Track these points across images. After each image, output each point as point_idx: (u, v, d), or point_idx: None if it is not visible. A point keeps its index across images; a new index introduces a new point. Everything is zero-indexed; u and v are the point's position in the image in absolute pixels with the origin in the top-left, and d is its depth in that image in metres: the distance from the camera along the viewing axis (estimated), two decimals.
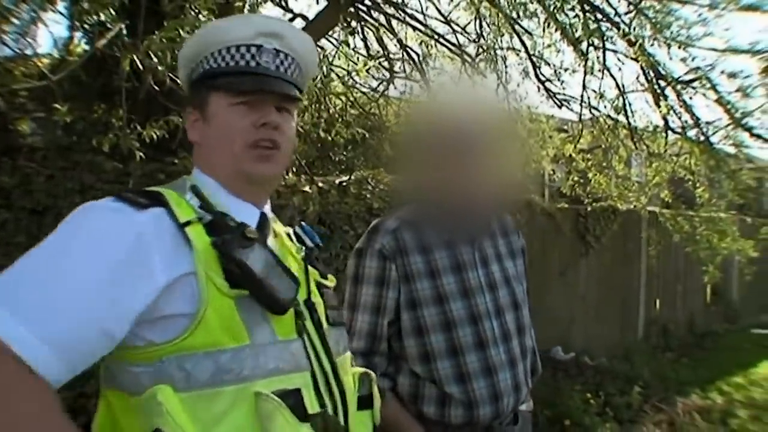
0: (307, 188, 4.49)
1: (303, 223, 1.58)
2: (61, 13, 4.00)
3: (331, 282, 1.52)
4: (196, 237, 1.20)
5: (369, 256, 2.13)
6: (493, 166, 2.18)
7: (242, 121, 1.33)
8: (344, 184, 4.86)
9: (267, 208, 1.44)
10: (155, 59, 2.88)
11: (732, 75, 6.21)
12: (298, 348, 1.27)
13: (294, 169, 4.79)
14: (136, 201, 1.20)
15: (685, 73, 6.40)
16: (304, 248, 1.49)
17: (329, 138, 4.76)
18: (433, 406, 2.10)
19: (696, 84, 6.40)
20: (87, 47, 4.36)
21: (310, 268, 1.44)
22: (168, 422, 1.07)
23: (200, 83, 1.38)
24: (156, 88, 3.20)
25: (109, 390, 1.21)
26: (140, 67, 2.94)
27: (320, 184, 4.66)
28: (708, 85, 6.36)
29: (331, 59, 5.00)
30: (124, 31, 3.61)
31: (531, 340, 2.28)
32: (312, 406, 1.22)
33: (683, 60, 6.24)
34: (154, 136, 3.47)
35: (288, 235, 1.51)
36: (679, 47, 6.10)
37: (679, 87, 6.49)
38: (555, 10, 5.98)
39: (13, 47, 3.98)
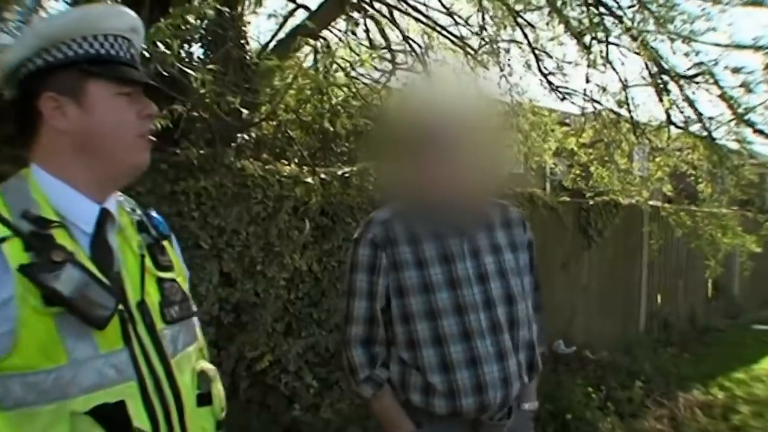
0: (309, 179, 4.47)
1: (151, 211, 1.55)
2: (65, 1, 3.99)
3: (176, 275, 1.49)
4: (12, 256, 1.16)
5: (362, 245, 2.21)
6: (479, 160, 2.22)
7: (128, 113, 1.34)
8: (347, 175, 4.84)
9: (111, 202, 1.40)
10: (162, 47, 2.86)
11: (735, 70, 6.18)
12: (124, 357, 1.25)
13: (296, 160, 4.77)
14: None
15: (689, 68, 6.37)
16: (147, 240, 1.45)
17: (331, 129, 4.74)
18: (418, 395, 2.16)
19: (699, 79, 6.36)
20: None
21: (148, 264, 1.40)
22: None
23: (70, 67, 1.29)
24: (165, 74, 3.18)
25: None
26: (146, 55, 2.91)
27: (322, 176, 4.64)
28: (711, 80, 6.32)
29: (333, 50, 4.97)
30: None
31: (530, 334, 2.27)
32: (138, 415, 1.22)
33: (686, 54, 6.22)
34: (159, 126, 3.45)
35: (132, 223, 1.46)
36: (683, 42, 6.08)
37: (682, 82, 6.46)
38: (559, 4, 5.95)
39: (16, 36, 3.97)
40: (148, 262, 1.40)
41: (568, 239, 7.42)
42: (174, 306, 1.42)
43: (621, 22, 6.17)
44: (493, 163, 2.40)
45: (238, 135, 4.58)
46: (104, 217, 1.35)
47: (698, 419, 5.66)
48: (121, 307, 1.26)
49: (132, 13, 1.42)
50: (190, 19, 2.88)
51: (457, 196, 2.19)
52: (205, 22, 3.76)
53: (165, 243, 1.51)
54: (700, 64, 6.25)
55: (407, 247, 2.16)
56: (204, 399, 1.44)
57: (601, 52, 6.43)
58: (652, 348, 8.01)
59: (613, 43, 6.44)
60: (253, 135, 4.86)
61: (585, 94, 6.87)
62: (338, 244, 4.71)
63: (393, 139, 2.38)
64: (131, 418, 1.21)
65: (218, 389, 1.49)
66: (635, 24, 6.10)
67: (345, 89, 4.87)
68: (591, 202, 7.71)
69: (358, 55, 5.16)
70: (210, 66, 3.48)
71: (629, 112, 6.94)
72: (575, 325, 7.54)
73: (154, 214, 1.54)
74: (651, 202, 8.34)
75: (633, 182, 7.91)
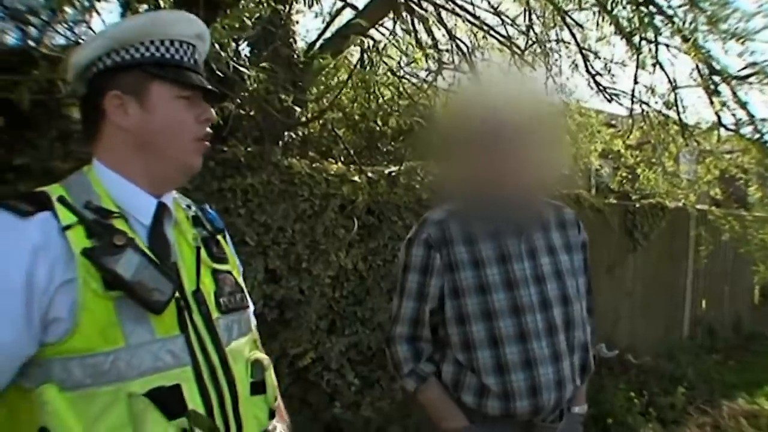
0: (356, 178, 4.48)
1: (206, 206, 1.61)
2: (118, 1, 4.04)
3: (230, 267, 1.55)
4: (75, 241, 1.22)
5: (416, 246, 2.20)
6: (538, 157, 2.19)
7: (187, 116, 1.40)
8: (393, 174, 4.84)
9: (168, 198, 1.46)
10: (218, 47, 2.89)
11: None
12: (180, 344, 1.30)
13: (342, 159, 4.79)
14: (19, 209, 1.21)
15: (742, 68, 6.24)
16: (202, 233, 1.51)
17: (377, 128, 4.75)
18: (471, 396, 2.13)
19: (752, 79, 6.22)
20: None
21: (203, 256, 1.46)
22: (52, 420, 1.13)
23: (135, 68, 1.36)
24: (220, 74, 3.21)
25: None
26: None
27: (369, 174, 4.65)
28: (765, 81, 6.18)
29: (380, 49, 4.98)
30: None
31: (584, 336, 2.25)
32: (193, 400, 1.27)
33: (740, 54, 6.08)
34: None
35: (188, 217, 1.52)
36: (736, 40, 5.94)
37: (734, 82, 6.33)
38: (609, 4, 5.87)
39: (69, 36, 4.04)
40: (203, 254, 1.46)
41: (614, 242, 7.34)
42: (228, 296, 1.47)
43: (671, 21, 6.07)
44: (553, 162, 2.36)
45: (285, 133, 4.61)
46: (161, 210, 1.41)
47: (743, 429, 5.55)
48: (177, 294, 1.32)
49: (199, 21, 1.48)
50: (246, 18, 2.91)
51: (519, 194, 2.17)
52: (259, 20, 3.79)
53: (219, 237, 1.57)
54: (754, 63, 6.11)
55: (463, 247, 2.14)
56: (258, 388, 1.48)
57: (650, 51, 6.35)
58: (696, 354, 7.88)
59: (662, 44, 6.35)
60: (300, 133, 4.89)
61: (633, 95, 6.78)
62: (384, 242, 4.72)
63: (456, 137, 2.35)
64: (186, 402, 1.25)
65: (272, 378, 1.53)
66: (686, 23, 5.99)
67: (392, 88, 4.88)
68: (637, 205, 7.61)
69: (405, 54, 5.16)
70: (263, 64, 3.51)
71: (678, 113, 6.84)
72: (618, 328, 7.46)
73: (208, 209, 1.60)
74: (698, 206, 8.21)
75: (680, 185, 7.80)
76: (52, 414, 1.13)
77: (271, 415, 1.51)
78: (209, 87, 1.45)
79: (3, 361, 1.17)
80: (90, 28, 3.87)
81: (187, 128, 1.40)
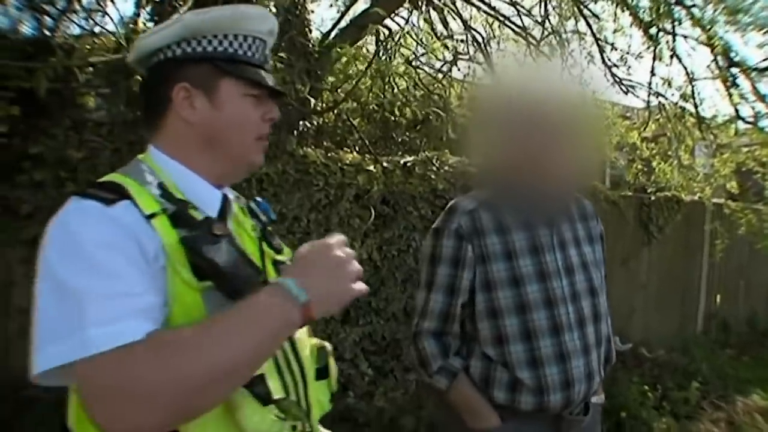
0: (371, 168, 4.47)
1: (258, 198, 1.59)
2: None
3: (286, 255, 1.53)
4: (162, 230, 1.20)
5: (446, 236, 2.12)
6: (574, 147, 2.14)
7: (254, 114, 1.38)
8: (409, 164, 4.82)
9: (227, 189, 1.46)
10: None
11: None
12: None
13: (357, 148, 4.77)
14: (102, 197, 1.19)
15: (762, 60, 6.18)
16: (259, 224, 1.50)
17: (392, 118, 4.73)
18: (503, 391, 2.08)
19: None
20: (152, 25, 4.40)
21: (265, 247, 1.46)
22: None
23: (206, 62, 1.34)
24: None
25: None
26: None
27: (384, 164, 4.64)
28: None
29: (396, 39, 4.96)
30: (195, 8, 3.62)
31: (607, 328, 2.24)
32: (275, 388, 1.26)
33: (760, 46, 6.04)
34: None
35: (243, 209, 1.52)
36: (758, 31, 5.88)
37: (753, 74, 6.27)
38: None
39: (84, 25, 4.04)
40: (264, 245, 1.46)
41: (629, 235, 7.29)
42: None
43: (690, 12, 6.01)
44: (589, 154, 2.32)
45: (300, 122, 4.60)
46: (225, 203, 1.41)
47: (758, 425, 5.51)
48: None
49: (273, 16, 1.47)
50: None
51: (554, 185, 2.13)
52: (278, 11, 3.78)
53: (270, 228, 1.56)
54: None
55: (496, 237, 2.08)
56: (322, 373, 1.50)
57: (667, 43, 6.30)
58: (710, 349, 7.82)
59: (680, 35, 6.30)
60: (315, 123, 4.88)
61: (649, 87, 6.73)
62: (399, 233, 4.70)
63: (495, 125, 2.30)
64: (270, 389, 1.24)
65: (333, 364, 1.55)
66: (705, 14, 5.94)
67: (407, 78, 4.86)
68: (652, 198, 7.55)
69: (420, 44, 5.15)
70: (280, 54, 3.50)
71: (695, 106, 6.79)
72: (632, 322, 7.42)
73: (260, 200, 1.58)
74: (714, 200, 8.14)
75: (696, 178, 7.74)
76: None
77: (331, 399, 1.53)
78: (278, 88, 1.44)
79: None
80: (107, 14, 3.86)
81: (252, 127, 1.39)
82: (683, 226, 7.99)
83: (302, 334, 1.46)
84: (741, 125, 6.84)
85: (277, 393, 1.25)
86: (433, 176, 4.82)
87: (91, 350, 1.03)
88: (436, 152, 4.89)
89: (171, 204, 1.25)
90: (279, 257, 1.49)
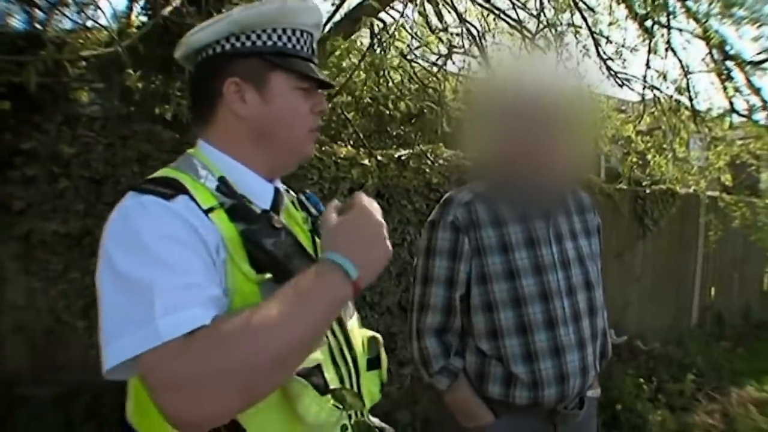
0: (366, 161, 4.45)
1: (306, 191, 1.60)
2: None
3: None
4: (220, 223, 1.22)
5: (442, 228, 2.10)
6: (569, 140, 2.12)
7: (304, 107, 1.39)
8: (403, 158, 4.81)
9: (278, 182, 1.47)
10: None
11: None
12: None
13: (352, 142, 4.76)
14: (161, 192, 1.20)
15: (757, 54, 6.18)
16: (309, 217, 1.52)
17: (387, 112, 4.72)
18: (498, 386, 2.07)
19: (767, 65, 6.16)
20: (145, 19, 4.39)
21: (317, 239, 1.46)
22: None
23: (255, 56, 1.35)
24: None
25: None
26: None
27: (379, 158, 4.62)
28: None
29: (391, 32, 4.93)
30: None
31: (603, 322, 2.23)
32: (331, 378, 1.28)
33: (755, 39, 6.02)
34: None
35: (292, 202, 1.53)
36: (752, 25, 5.88)
37: (748, 68, 6.27)
38: None
39: (76, 19, 4.02)
40: (316, 237, 1.47)
41: (624, 228, 7.29)
42: None
43: (685, 5, 6.01)
44: (584, 147, 2.31)
45: None
46: (277, 196, 1.42)
47: (752, 416, 5.52)
48: None
49: (319, 9, 1.47)
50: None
51: (549, 178, 2.12)
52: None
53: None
54: None
55: (492, 230, 2.07)
56: (373, 363, 1.51)
57: (662, 36, 6.29)
58: (705, 341, 7.84)
59: (675, 28, 6.30)
60: None
61: (644, 81, 6.73)
62: (393, 226, 4.69)
63: (490, 117, 2.28)
64: (327, 380, 1.26)
65: (384, 354, 1.56)
66: (700, 7, 5.93)
67: (402, 72, 4.84)
68: (647, 191, 7.55)
69: (415, 37, 5.13)
70: None
71: (690, 99, 6.79)
72: (627, 314, 7.43)
73: (309, 193, 1.59)
74: (709, 192, 8.15)
75: (691, 171, 7.74)
76: None
77: (381, 389, 1.54)
78: (327, 80, 1.44)
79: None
80: (99, 8, 3.84)
81: (303, 119, 1.40)
82: (678, 219, 8.00)
83: (354, 325, 1.48)
84: (735, 118, 6.83)
85: (333, 383, 1.28)
86: (427, 170, 4.81)
87: (159, 339, 1.03)
88: (431, 146, 4.88)
89: (227, 198, 1.27)
90: None
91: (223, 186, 1.29)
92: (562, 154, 2.09)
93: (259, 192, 1.37)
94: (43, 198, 3.68)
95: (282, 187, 1.51)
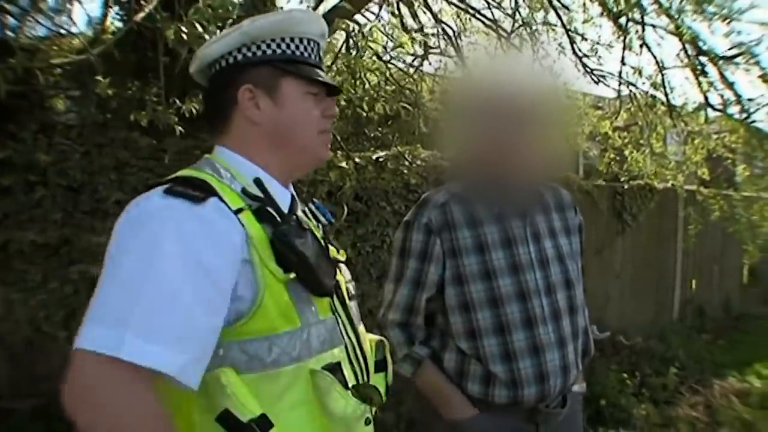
0: (343, 164, 4.45)
1: (315, 199, 1.64)
2: None
3: (342, 256, 1.61)
4: (248, 224, 1.27)
5: (415, 230, 2.10)
6: (543, 138, 2.13)
7: (315, 111, 1.44)
8: (381, 159, 4.81)
9: (291, 188, 1.53)
10: (200, 29, 2.85)
11: None
12: (334, 325, 1.39)
13: (328, 145, 4.75)
14: (190, 195, 1.23)
15: (729, 49, 6.24)
16: (320, 225, 1.55)
17: (364, 114, 4.71)
18: (477, 384, 2.06)
19: (739, 59, 6.22)
20: (120, 25, 4.36)
21: (329, 246, 1.52)
22: (234, 402, 1.16)
23: (266, 64, 1.40)
24: None
25: None
26: (183, 36, 2.90)
27: (357, 160, 4.62)
28: (752, 61, 6.17)
29: (366, 34, 4.93)
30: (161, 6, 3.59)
31: (584, 320, 2.22)
32: (349, 376, 1.35)
33: (727, 35, 6.08)
34: (193, 111, 3.46)
35: (303, 211, 1.55)
36: (723, 21, 5.93)
37: (721, 63, 6.33)
38: None
39: (49, 26, 3.99)
40: (329, 245, 1.53)
41: (603, 224, 7.33)
42: (348, 283, 1.57)
43: (658, 2, 6.05)
44: (556, 144, 2.31)
45: None
46: (293, 202, 1.49)
47: (734, 407, 5.57)
48: None
49: (323, 20, 1.53)
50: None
51: (523, 176, 2.12)
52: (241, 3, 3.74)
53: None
54: (741, 44, 6.11)
55: (467, 230, 2.06)
56: (380, 365, 1.58)
57: (637, 33, 6.34)
58: (686, 334, 7.91)
59: (649, 24, 6.34)
60: None
61: (620, 77, 6.78)
62: (372, 228, 4.69)
63: (461, 118, 2.28)
64: (347, 378, 1.34)
65: (390, 357, 1.63)
66: (673, 4, 5.98)
67: (378, 73, 4.84)
68: (626, 186, 7.60)
69: (391, 39, 5.13)
70: None
71: (665, 94, 6.84)
72: (609, 310, 7.47)
73: (318, 203, 1.62)
74: (686, 187, 8.22)
75: (668, 166, 7.80)
76: (232, 396, 1.16)
77: (387, 390, 1.58)
78: (335, 84, 1.51)
79: (212, 342, 1.19)
80: (69, 17, 3.81)
81: (314, 122, 1.44)
82: (657, 214, 8.06)
83: (362, 328, 1.55)
84: (710, 112, 6.90)
85: (350, 381, 1.35)
86: (405, 171, 4.82)
87: (116, 352, 1.06)
88: (408, 147, 4.88)
89: (252, 201, 1.33)
90: (338, 256, 1.57)
91: (251, 188, 1.35)
92: (536, 152, 2.10)
93: (279, 196, 1.41)
94: (20, 207, 3.65)
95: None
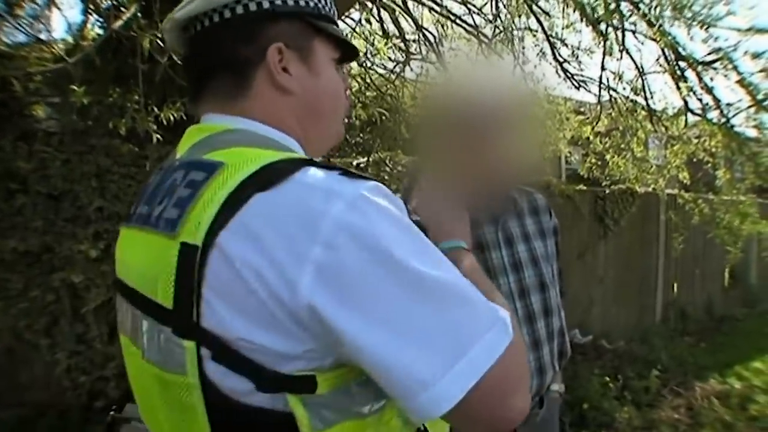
0: None
1: None
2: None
3: None
4: None
5: None
6: (512, 145, 2.14)
7: (342, 83, 1.19)
8: (362, 165, 4.82)
9: None
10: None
11: (755, 56, 6.09)
12: None
13: None
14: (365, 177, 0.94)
15: (707, 54, 6.31)
16: None
17: (345, 120, 4.72)
18: None
19: (717, 65, 6.29)
20: (101, 31, 4.35)
21: None
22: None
23: (298, 18, 1.09)
24: (172, 70, 3.17)
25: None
26: (161, 45, 2.91)
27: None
28: (730, 66, 6.24)
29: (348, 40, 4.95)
30: (139, 14, 3.59)
31: (560, 321, 2.24)
32: None
33: (705, 40, 6.14)
34: (171, 119, 3.46)
35: None
36: (701, 27, 6.00)
37: (700, 68, 6.40)
38: None
39: (28, 32, 3.98)
40: None
41: (585, 228, 7.38)
42: None
43: (637, 8, 6.11)
44: (527, 150, 2.32)
45: None
46: None
47: (715, 409, 5.61)
48: None
49: None
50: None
51: (497, 183, 2.13)
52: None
53: None
54: (719, 49, 6.17)
55: None
56: None
57: (617, 38, 6.39)
58: (669, 337, 7.95)
59: (629, 30, 6.40)
60: None
61: (600, 82, 6.83)
62: None
63: (428, 126, 2.29)
64: None
65: None
66: (652, 10, 6.04)
67: (359, 79, 4.85)
68: (607, 191, 7.65)
69: (372, 44, 5.14)
70: None
71: (645, 99, 6.90)
72: (591, 314, 7.51)
73: None
74: (668, 191, 8.28)
75: (649, 170, 7.86)
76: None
77: None
78: (357, 49, 1.24)
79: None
80: (43, 24, 3.80)
81: (343, 97, 1.19)
82: (638, 218, 8.11)
83: None
84: (690, 117, 6.96)
85: None
86: (386, 177, 4.82)
87: (498, 351, 0.88)
88: (389, 153, 4.89)
89: None
90: None
91: None
92: (505, 158, 2.11)
93: None
94: (1, 215, 3.64)
95: None
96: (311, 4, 1.10)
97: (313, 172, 0.89)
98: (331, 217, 0.83)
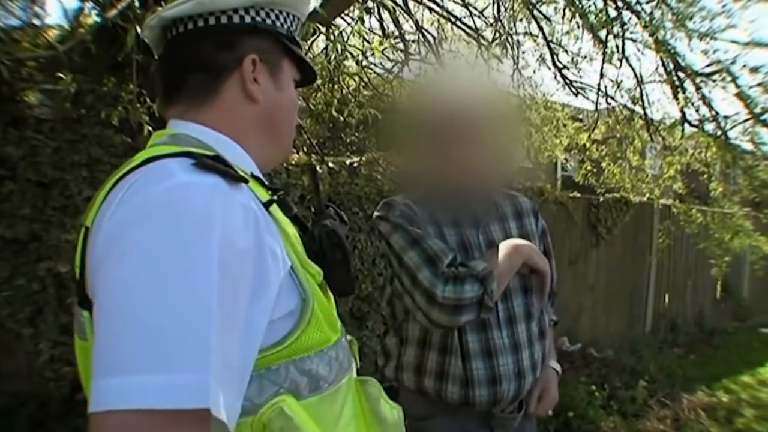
0: (317, 168, 4.43)
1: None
2: None
3: None
4: (281, 220, 1.03)
5: (392, 212, 2.08)
6: (492, 149, 2.14)
7: (297, 101, 1.27)
8: (355, 165, 4.80)
9: None
10: None
11: (754, 69, 6.10)
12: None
13: (305, 149, 4.73)
14: (229, 174, 0.93)
15: (706, 66, 6.31)
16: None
17: (341, 119, 4.70)
18: (432, 379, 2.07)
19: (716, 77, 6.30)
20: (98, 19, 4.32)
21: None
22: None
23: (272, 36, 1.18)
24: None
25: None
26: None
27: (331, 165, 4.60)
28: (728, 79, 6.25)
29: (346, 38, 4.93)
30: (137, 3, 3.56)
31: (544, 325, 2.22)
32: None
33: (704, 52, 6.16)
34: None
35: None
36: (701, 39, 6.01)
37: (698, 79, 6.40)
38: None
39: (21, 17, 3.94)
40: None
41: (577, 236, 7.36)
42: None
43: (639, 17, 6.11)
44: (508, 154, 2.32)
45: None
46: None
47: (701, 421, 5.61)
48: None
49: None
50: None
51: (474, 186, 2.11)
52: None
53: None
54: (718, 62, 6.18)
55: (431, 228, 2.05)
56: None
57: (617, 47, 6.39)
58: (658, 348, 7.95)
59: (629, 39, 6.40)
60: None
61: (599, 90, 6.82)
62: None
63: (412, 128, 2.29)
64: None
65: (357, 356, 1.52)
66: (653, 20, 6.04)
67: (356, 78, 4.84)
68: (601, 199, 7.65)
69: (370, 44, 5.13)
70: None
71: (643, 108, 6.90)
72: (581, 322, 7.50)
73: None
74: (662, 201, 8.28)
75: (644, 180, 7.86)
76: (297, 428, 0.93)
77: None
78: (316, 74, 1.34)
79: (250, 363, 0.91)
80: (42, 9, 3.77)
81: (296, 115, 1.26)
82: (632, 227, 8.10)
83: None
84: (687, 128, 6.96)
85: None
86: (379, 177, 4.81)
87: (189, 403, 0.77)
88: (383, 153, 4.88)
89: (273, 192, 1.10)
90: None
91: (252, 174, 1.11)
92: (483, 163, 2.11)
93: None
94: None
95: None
96: (285, 26, 1.20)
97: (178, 159, 0.93)
98: (143, 194, 0.88)
